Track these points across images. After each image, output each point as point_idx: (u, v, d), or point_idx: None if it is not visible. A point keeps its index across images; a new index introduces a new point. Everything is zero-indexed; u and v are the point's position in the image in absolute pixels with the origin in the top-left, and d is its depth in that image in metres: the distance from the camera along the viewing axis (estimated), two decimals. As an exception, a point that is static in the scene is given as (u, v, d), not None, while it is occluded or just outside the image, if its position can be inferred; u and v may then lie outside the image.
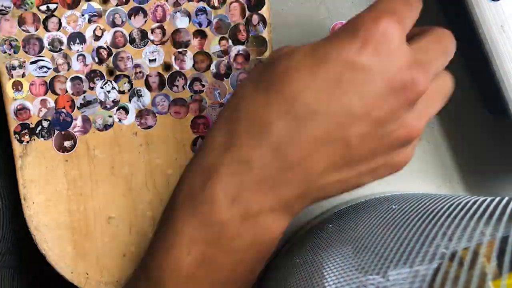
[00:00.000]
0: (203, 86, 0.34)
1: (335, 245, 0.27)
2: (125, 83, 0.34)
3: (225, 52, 0.34)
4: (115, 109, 0.34)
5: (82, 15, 0.33)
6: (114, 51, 0.34)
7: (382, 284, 0.20)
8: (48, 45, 0.33)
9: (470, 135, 0.37)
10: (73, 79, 0.34)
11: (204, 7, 0.34)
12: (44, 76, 0.33)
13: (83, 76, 0.34)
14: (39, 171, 0.33)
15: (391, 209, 0.28)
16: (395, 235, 0.23)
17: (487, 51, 0.31)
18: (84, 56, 0.34)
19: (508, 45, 0.30)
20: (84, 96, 0.34)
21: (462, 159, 0.37)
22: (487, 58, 0.31)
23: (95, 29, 0.34)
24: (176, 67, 0.34)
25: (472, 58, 0.35)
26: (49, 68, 0.33)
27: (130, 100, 0.34)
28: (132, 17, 0.34)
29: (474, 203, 0.24)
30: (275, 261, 0.34)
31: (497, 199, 0.24)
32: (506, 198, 0.24)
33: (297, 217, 0.37)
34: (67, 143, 0.34)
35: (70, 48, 0.34)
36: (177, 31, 0.34)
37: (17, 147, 0.33)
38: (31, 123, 0.33)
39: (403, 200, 0.30)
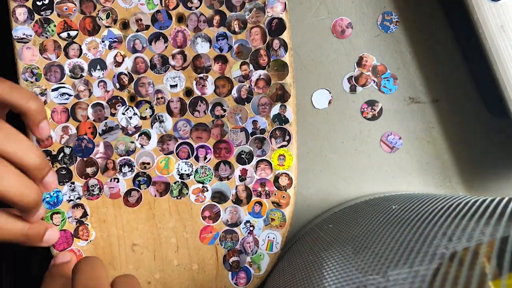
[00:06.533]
0: (224, 111, 0.34)
1: (335, 245, 0.27)
2: (146, 108, 0.34)
3: (246, 77, 0.34)
4: (137, 135, 0.34)
5: (103, 41, 0.34)
6: (135, 77, 0.34)
7: (382, 284, 0.20)
8: (69, 72, 0.34)
9: (470, 135, 0.37)
10: (94, 105, 0.34)
11: (224, 32, 0.34)
12: (65, 103, 0.34)
13: (104, 103, 0.34)
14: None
15: (391, 209, 0.28)
16: (395, 235, 0.23)
17: (487, 51, 0.31)
18: (105, 82, 0.34)
19: (508, 45, 0.30)
20: (106, 123, 0.34)
21: (462, 159, 0.37)
22: (487, 58, 0.31)
23: (115, 55, 0.34)
24: (197, 92, 0.34)
25: (472, 58, 0.35)
26: (70, 95, 0.34)
27: (152, 126, 0.35)
28: (153, 42, 0.34)
29: (474, 203, 0.24)
30: (276, 262, 0.34)
31: (497, 199, 0.24)
32: (506, 198, 0.24)
33: (297, 218, 0.37)
34: (89, 170, 0.34)
35: (91, 75, 0.34)
36: (198, 56, 0.34)
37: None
38: (53, 150, 0.34)
39: (403, 200, 0.30)
